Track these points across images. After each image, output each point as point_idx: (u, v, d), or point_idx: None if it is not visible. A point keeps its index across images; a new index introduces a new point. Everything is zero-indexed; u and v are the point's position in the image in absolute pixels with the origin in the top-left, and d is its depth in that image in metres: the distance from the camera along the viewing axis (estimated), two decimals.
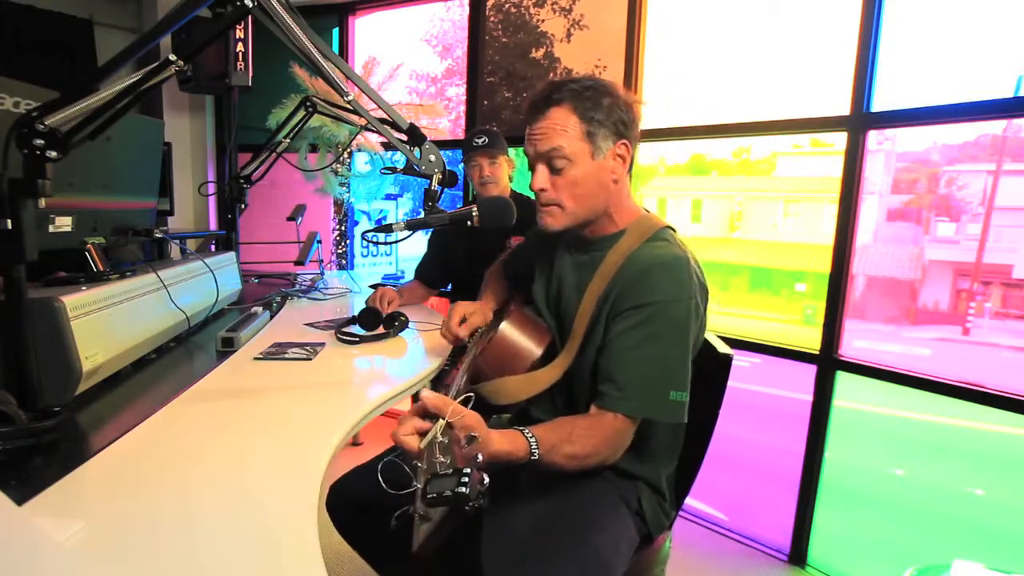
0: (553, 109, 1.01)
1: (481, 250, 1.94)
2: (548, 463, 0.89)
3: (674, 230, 1.10)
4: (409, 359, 1.43)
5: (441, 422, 0.73)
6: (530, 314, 1.21)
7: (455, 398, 0.99)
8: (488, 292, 1.37)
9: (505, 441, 0.84)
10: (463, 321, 1.26)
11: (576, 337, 1.06)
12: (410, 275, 2.26)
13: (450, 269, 2.22)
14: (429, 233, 2.31)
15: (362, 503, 1.10)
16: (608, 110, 1.01)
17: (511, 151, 2.17)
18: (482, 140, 2.08)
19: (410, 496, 0.67)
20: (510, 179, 2.18)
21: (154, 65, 0.93)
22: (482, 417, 0.82)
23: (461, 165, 3.03)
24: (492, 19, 2.99)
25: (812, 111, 2.09)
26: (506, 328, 1.15)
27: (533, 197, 1.08)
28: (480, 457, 0.66)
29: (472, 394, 0.87)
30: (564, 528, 0.94)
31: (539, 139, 1.03)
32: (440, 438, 0.69)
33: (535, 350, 1.12)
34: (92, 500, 0.71)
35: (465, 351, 1.29)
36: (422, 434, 0.75)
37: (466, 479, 0.61)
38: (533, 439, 0.87)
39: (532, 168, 1.07)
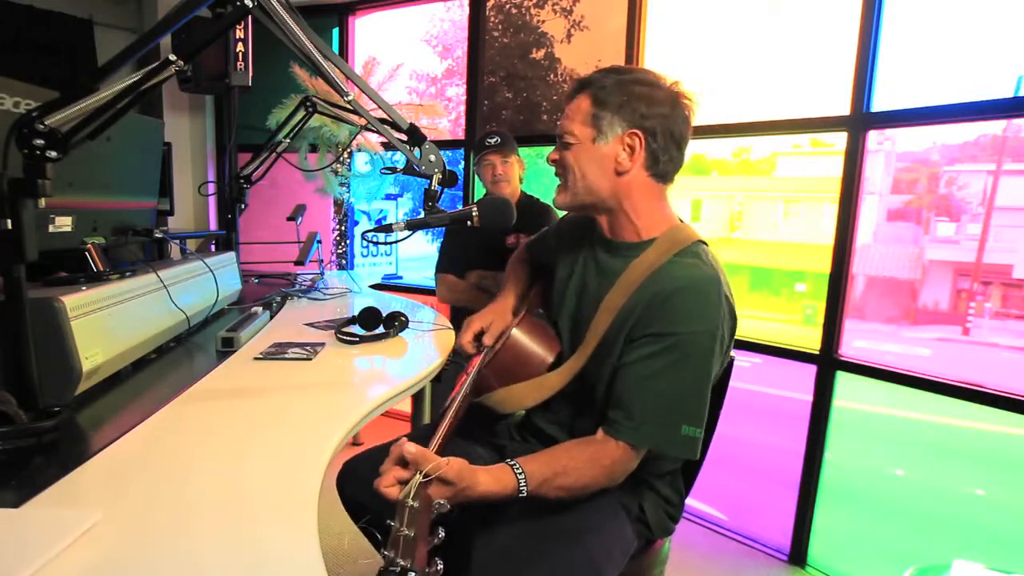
0: (578, 96, 1.04)
1: (489, 244, 1.97)
2: (538, 497, 0.87)
3: (707, 244, 1.03)
4: (409, 359, 1.43)
5: (417, 477, 0.71)
6: (541, 320, 1.18)
7: (451, 412, 0.96)
8: (509, 286, 1.31)
9: (492, 481, 0.83)
10: (481, 334, 1.19)
11: (588, 347, 1.03)
12: (410, 276, 2.25)
13: (469, 262, 2.21)
14: (443, 232, 2.32)
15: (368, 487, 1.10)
16: (627, 99, 0.99)
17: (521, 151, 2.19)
18: (495, 140, 2.12)
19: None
20: (520, 180, 2.20)
21: (154, 65, 0.93)
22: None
23: (461, 165, 3.05)
24: (492, 19, 2.99)
25: (812, 111, 2.09)
26: (518, 335, 1.12)
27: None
28: (442, 534, 0.68)
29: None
30: (555, 532, 0.93)
31: (560, 121, 1.07)
32: (411, 503, 0.68)
33: (547, 357, 1.10)
34: (92, 500, 0.71)
35: (471, 356, 1.24)
36: (403, 483, 0.74)
37: None
38: (522, 475, 0.85)
39: None
